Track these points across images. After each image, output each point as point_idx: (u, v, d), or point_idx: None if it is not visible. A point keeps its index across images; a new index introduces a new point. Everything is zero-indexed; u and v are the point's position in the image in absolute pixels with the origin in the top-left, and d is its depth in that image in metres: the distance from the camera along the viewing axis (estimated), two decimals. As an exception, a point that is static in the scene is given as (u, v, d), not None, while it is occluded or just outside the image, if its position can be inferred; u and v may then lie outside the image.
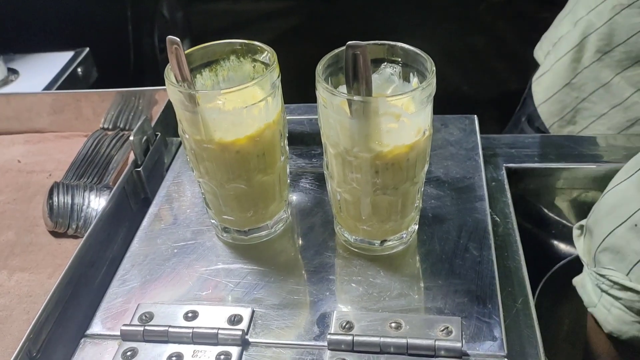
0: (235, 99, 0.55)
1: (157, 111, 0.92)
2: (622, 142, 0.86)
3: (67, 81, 1.12)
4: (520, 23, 1.19)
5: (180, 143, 0.89)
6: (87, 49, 1.20)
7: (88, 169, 0.85)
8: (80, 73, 1.17)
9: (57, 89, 1.09)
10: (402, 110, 0.53)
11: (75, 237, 0.77)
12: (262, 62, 0.62)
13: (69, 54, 1.19)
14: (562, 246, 0.89)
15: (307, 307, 0.59)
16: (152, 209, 0.73)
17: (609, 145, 0.85)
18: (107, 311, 0.60)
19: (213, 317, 0.58)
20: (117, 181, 0.81)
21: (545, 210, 0.87)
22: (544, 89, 1.06)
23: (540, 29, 1.14)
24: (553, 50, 1.05)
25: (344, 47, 0.56)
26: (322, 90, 0.54)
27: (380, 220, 0.61)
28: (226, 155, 0.58)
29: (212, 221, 0.67)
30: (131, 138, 0.75)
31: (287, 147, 0.64)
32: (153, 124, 0.82)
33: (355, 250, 0.64)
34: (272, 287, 0.61)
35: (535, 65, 1.14)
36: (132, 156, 0.81)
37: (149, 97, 0.91)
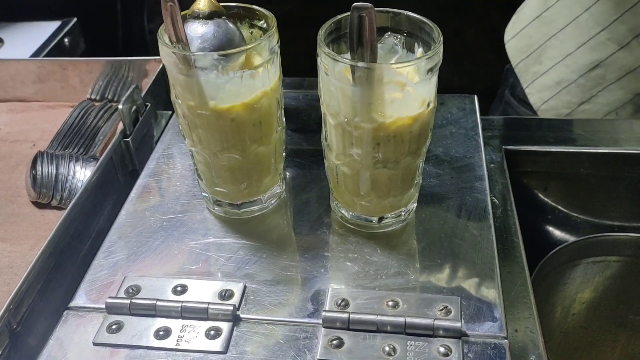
0: (233, 63, 0.53)
1: (147, 83, 0.89)
2: (622, 126, 0.84)
3: (54, 51, 1.08)
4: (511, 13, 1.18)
5: (171, 116, 0.86)
6: (75, 19, 1.16)
7: (74, 139, 0.82)
8: (67, 43, 1.13)
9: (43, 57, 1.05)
10: (407, 79, 0.50)
11: (59, 208, 0.74)
12: (260, 28, 0.59)
13: (56, 24, 1.15)
14: (557, 232, 0.88)
15: (300, 283, 0.57)
16: (140, 181, 0.70)
17: (608, 129, 0.84)
18: (92, 283, 0.58)
19: (203, 291, 0.56)
20: (105, 152, 0.79)
21: (541, 196, 0.86)
22: (515, 22, 1.02)
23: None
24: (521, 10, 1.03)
25: (347, 13, 0.54)
26: (323, 56, 0.52)
27: (379, 195, 0.58)
28: (221, 123, 0.56)
29: (204, 194, 0.65)
30: (120, 107, 0.72)
31: (284, 118, 0.62)
32: (143, 94, 0.79)
33: (352, 227, 0.62)
34: (264, 263, 0.59)
35: None
36: (120, 127, 0.78)
37: (139, 68, 0.88)
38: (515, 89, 1.05)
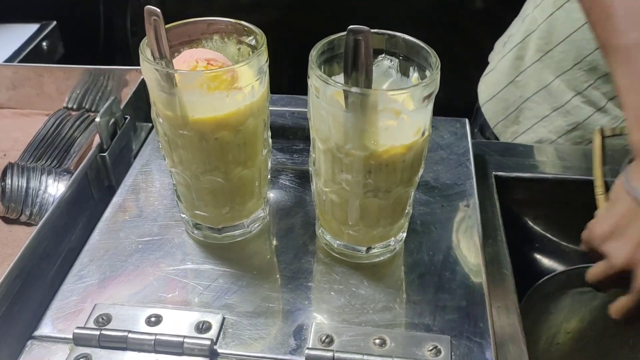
0: (218, 82, 0.50)
1: (127, 93, 0.85)
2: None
3: (30, 55, 1.04)
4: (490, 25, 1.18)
5: (151, 129, 0.83)
6: (54, 23, 1.12)
7: (47, 150, 0.78)
8: (45, 47, 1.09)
9: (19, 62, 1.01)
10: (402, 106, 0.48)
11: (28, 224, 0.70)
12: (249, 45, 0.56)
13: (34, 27, 1.11)
14: (545, 261, 0.86)
15: (283, 316, 0.54)
16: (116, 199, 0.66)
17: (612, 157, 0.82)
18: (60, 310, 0.54)
19: (179, 323, 0.52)
20: (79, 166, 0.75)
21: (530, 223, 0.84)
22: (489, 86, 1.01)
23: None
24: (502, 49, 1.01)
25: (341, 34, 0.52)
26: (315, 78, 0.49)
27: (368, 225, 0.56)
28: (203, 144, 0.53)
29: (183, 215, 0.62)
30: (97, 119, 0.69)
31: (270, 140, 0.59)
32: (122, 105, 0.76)
33: (338, 256, 0.59)
34: (245, 293, 0.56)
35: None
36: (97, 140, 0.74)
37: (119, 78, 0.85)
38: (484, 129, 1.04)
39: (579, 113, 0.90)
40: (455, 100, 0.91)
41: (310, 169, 0.57)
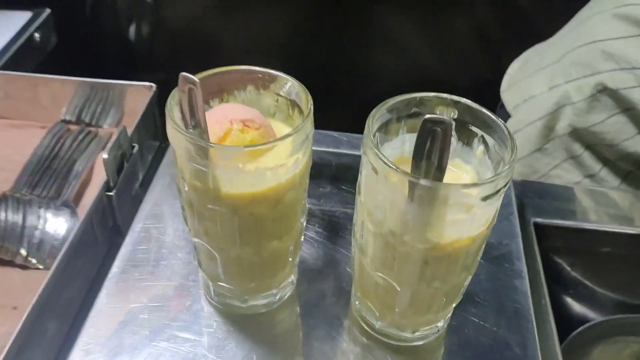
0: (259, 157, 0.42)
1: (131, 107, 0.77)
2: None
3: (23, 49, 0.94)
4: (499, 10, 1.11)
5: (158, 150, 0.75)
6: (48, 11, 1.02)
7: (44, 177, 0.70)
8: (37, 39, 0.99)
9: (12, 57, 0.91)
10: (476, 200, 0.41)
11: (24, 267, 0.63)
12: (287, 98, 0.49)
13: (26, 15, 1.01)
14: (577, 307, 0.81)
15: (318, 412, 0.48)
16: (124, 250, 0.59)
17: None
18: (64, 399, 0.48)
19: (201, 422, 0.46)
20: (78, 197, 0.68)
21: (569, 269, 0.78)
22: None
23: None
24: (523, 106, 0.95)
25: (401, 98, 0.45)
26: (372, 156, 0.42)
27: (417, 312, 0.49)
28: (236, 219, 0.46)
29: (201, 277, 0.55)
30: (105, 156, 0.61)
31: (307, 205, 0.52)
32: (130, 132, 0.68)
33: (376, 335, 0.53)
34: (274, 380, 0.50)
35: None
36: (98, 164, 0.67)
37: (121, 92, 0.76)
38: None
39: (611, 180, 0.87)
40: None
41: (352, 240, 0.51)
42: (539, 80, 0.93)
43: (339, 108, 0.99)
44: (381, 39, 1.19)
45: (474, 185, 0.41)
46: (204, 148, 0.41)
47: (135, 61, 1.19)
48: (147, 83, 0.75)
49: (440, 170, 0.40)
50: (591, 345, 0.78)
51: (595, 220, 0.73)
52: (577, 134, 0.87)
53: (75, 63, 0.97)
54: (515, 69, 1.02)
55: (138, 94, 0.76)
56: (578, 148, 0.88)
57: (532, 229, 0.71)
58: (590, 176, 0.88)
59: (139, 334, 0.52)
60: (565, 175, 0.90)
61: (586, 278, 0.79)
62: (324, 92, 0.75)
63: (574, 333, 0.74)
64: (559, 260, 0.77)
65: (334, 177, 0.68)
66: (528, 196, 0.74)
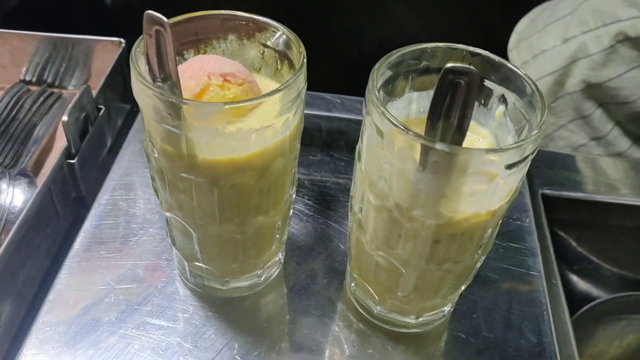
0: (242, 117, 0.35)
1: (98, 67, 0.70)
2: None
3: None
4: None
5: (128, 114, 0.68)
6: (7, -39, 0.93)
7: (1, 142, 0.62)
8: (-4, -9, 0.90)
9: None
10: (500, 168, 0.34)
11: (-26, 243, 0.56)
12: (275, 49, 0.42)
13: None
14: (583, 285, 0.76)
15: (309, 411, 0.42)
16: (88, 224, 0.52)
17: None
18: (15, 397, 0.41)
19: None
20: (38, 166, 0.61)
21: (575, 244, 0.73)
22: None
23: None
24: (533, 62, 0.89)
25: (408, 48, 0.38)
26: (377, 116, 0.35)
27: (422, 297, 0.43)
28: (215, 191, 0.39)
29: (176, 255, 0.48)
30: (64, 118, 0.54)
31: (297, 175, 0.45)
32: (95, 92, 0.60)
33: (375, 321, 0.47)
34: (259, 374, 0.43)
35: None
36: (61, 129, 0.60)
37: (88, 48, 0.69)
38: None
39: (620, 143, 0.81)
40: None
41: (349, 214, 0.44)
42: (552, 33, 0.86)
43: (333, 67, 0.92)
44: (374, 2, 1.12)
45: (500, 150, 0.34)
46: (176, 105, 0.34)
47: (106, 17, 1.10)
48: (115, 38, 0.67)
49: (461, 132, 0.34)
50: (596, 323, 0.74)
51: (605, 192, 0.68)
52: (590, 91, 0.81)
53: (40, 20, 0.88)
54: (523, 26, 0.95)
55: (106, 51, 0.69)
56: (588, 107, 0.82)
57: (540, 201, 0.65)
58: (597, 138, 0.82)
59: (103, 320, 0.45)
60: (570, 136, 0.84)
61: (592, 253, 0.73)
62: (316, 49, 0.67)
63: (580, 312, 0.70)
64: (565, 235, 0.72)
65: (325, 143, 0.61)
66: (535, 165, 0.68)
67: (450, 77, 0.31)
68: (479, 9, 1.08)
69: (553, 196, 0.66)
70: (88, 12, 1.08)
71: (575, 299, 0.74)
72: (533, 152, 0.35)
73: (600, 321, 0.73)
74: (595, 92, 0.80)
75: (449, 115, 0.33)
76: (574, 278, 0.76)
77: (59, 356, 0.43)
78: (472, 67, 0.31)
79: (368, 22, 1.11)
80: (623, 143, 0.81)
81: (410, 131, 0.33)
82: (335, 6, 1.11)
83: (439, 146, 0.33)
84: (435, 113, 0.33)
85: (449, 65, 0.31)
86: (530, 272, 0.52)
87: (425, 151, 0.33)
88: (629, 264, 0.75)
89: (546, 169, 0.68)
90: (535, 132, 0.35)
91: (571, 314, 0.68)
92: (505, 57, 0.96)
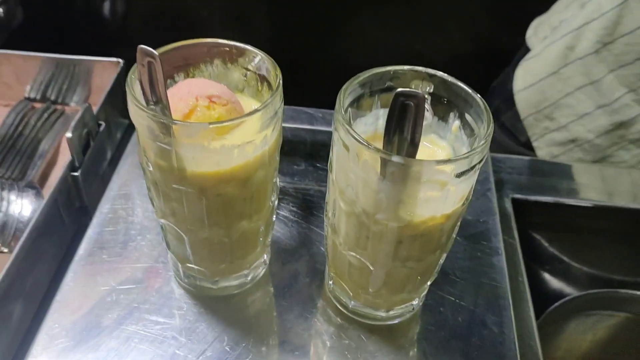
0: (226, 134, 0.41)
1: (98, 84, 0.75)
2: (628, 177, 0.76)
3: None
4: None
5: (128, 128, 0.73)
6: (12, -16, 0.98)
7: (8, 156, 0.68)
8: (1, 13, 0.96)
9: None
10: (450, 177, 0.39)
11: (-13, 250, 0.61)
12: (256, 72, 0.47)
13: (-11, -12, 0.97)
14: (556, 283, 0.80)
15: (291, 395, 0.47)
16: (91, 231, 0.57)
17: (626, 181, 0.75)
18: (28, 387, 0.46)
19: (171, 408, 0.45)
20: (44, 179, 0.66)
21: (546, 245, 0.77)
22: (527, 73, 0.91)
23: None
24: (551, 35, 0.91)
25: (373, 71, 0.43)
26: (344, 132, 0.40)
27: (391, 292, 0.48)
28: (203, 200, 0.44)
29: (170, 258, 0.53)
30: (68, 135, 0.59)
31: (279, 183, 0.50)
32: (96, 109, 0.65)
33: (351, 315, 0.52)
34: (245, 363, 0.48)
35: (514, 45, 1.01)
36: (65, 143, 0.65)
37: (88, 68, 0.74)
38: (499, 115, 0.95)
39: (626, 112, 0.82)
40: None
41: (325, 219, 0.49)
42: (572, 7, 0.89)
43: (315, 84, 0.97)
44: (359, 14, 1.17)
45: (448, 161, 0.39)
46: (167, 125, 0.39)
47: (106, 38, 1.16)
48: (114, 59, 0.72)
49: (414, 146, 0.39)
50: (567, 319, 0.78)
51: (574, 196, 0.73)
52: (602, 54, 0.82)
53: (43, 41, 0.93)
54: (538, 20, 0.98)
55: (106, 70, 0.74)
56: (599, 72, 0.83)
57: (510, 205, 0.70)
58: (603, 105, 0.84)
59: (106, 318, 0.50)
60: (576, 105, 0.86)
61: (563, 253, 0.78)
62: (299, 68, 0.73)
63: (551, 308, 0.74)
64: (537, 236, 0.77)
65: (308, 154, 0.66)
66: (507, 172, 0.73)
67: (401, 99, 0.36)
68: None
69: (523, 200, 0.71)
70: (88, 33, 1.14)
71: (549, 297, 0.78)
72: (481, 162, 0.40)
73: (571, 317, 0.78)
74: (608, 53, 0.81)
75: (402, 131, 0.38)
76: (547, 277, 0.81)
77: (66, 350, 0.48)
78: (419, 90, 0.36)
79: (348, 47, 1.17)
80: (631, 112, 0.82)
81: (371, 146, 0.39)
82: (319, 32, 1.17)
83: (395, 159, 0.38)
84: (390, 130, 0.38)
85: (399, 89, 0.36)
86: (495, 270, 0.57)
87: (384, 163, 0.39)
88: (598, 263, 0.80)
89: (517, 175, 0.73)
90: (482, 143, 0.40)
91: (543, 310, 0.73)
92: (497, 67, 1.01)
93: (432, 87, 0.46)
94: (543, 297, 0.76)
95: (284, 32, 1.15)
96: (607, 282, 0.80)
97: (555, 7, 0.95)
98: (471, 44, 1.21)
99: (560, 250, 0.78)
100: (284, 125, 0.66)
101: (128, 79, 0.42)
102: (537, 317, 0.70)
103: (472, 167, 0.40)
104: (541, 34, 0.95)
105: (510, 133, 0.95)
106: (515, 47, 1.01)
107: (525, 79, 0.91)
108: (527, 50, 0.96)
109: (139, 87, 0.41)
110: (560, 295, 0.80)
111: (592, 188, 0.74)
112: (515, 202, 0.70)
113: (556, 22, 0.91)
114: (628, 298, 0.76)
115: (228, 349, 0.49)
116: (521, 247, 0.66)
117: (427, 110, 0.46)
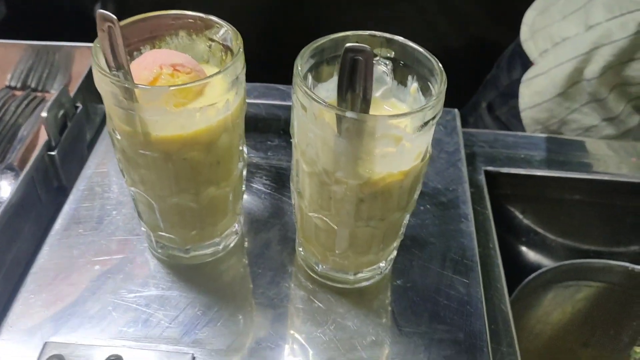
0: (187, 98, 0.42)
1: (78, 71, 0.76)
2: (612, 149, 0.77)
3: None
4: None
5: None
6: (-6, -21, 1.00)
7: (-13, 141, 0.69)
8: (-16, 8, 0.97)
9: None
10: (404, 132, 0.41)
11: (-34, 230, 0.62)
12: (220, 43, 0.48)
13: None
14: (532, 255, 0.82)
15: (260, 355, 0.48)
16: (67, 207, 0.58)
17: (597, 152, 0.77)
18: (2, 351, 0.47)
19: (143, 367, 0.46)
20: (24, 162, 0.67)
21: (521, 217, 0.79)
22: (534, 93, 0.93)
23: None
24: (552, 50, 0.91)
25: (331, 37, 0.44)
26: (301, 94, 0.42)
27: (358, 252, 0.50)
28: (169, 165, 0.45)
29: (144, 230, 0.54)
30: (44, 114, 0.60)
31: (246, 152, 0.52)
32: (73, 92, 0.67)
33: (321, 279, 0.53)
34: (217, 326, 0.50)
35: (504, 39, 1.02)
36: (43, 130, 0.66)
37: (68, 54, 0.75)
38: (493, 108, 0.96)
39: (630, 120, 0.86)
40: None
41: (291, 185, 0.51)
42: (574, 21, 0.89)
43: (289, 63, 0.98)
44: (351, 10, 1.18)
45: (401, 115, 0.40)
46: (129, 90, 0.41)
47: (89, 27, 1.17)
48: (92, 44, 0.73)
49: (366, 102, 0.40)
50: (545, 290, 0.80)
51: (546, 168, 0.74)
52: (608, 77, 0.84)
53: (27, 29, 0.95)
54: (532, 17, 0.97)
55: (85, 56, 0.75)
56: (604, 91, 0.85)
57: (482, 177, 0.71)
58: (610, 119, 0.86)
59: (81, 287, 0.52)
60: (582, 119, 0.88)
61: (538, 225, 0.80)
62: (273, 47, 0.74)
63: (527, 279, 0.75)
64: (511, 208, 0.78)
65: (282, 130, 0.68)
66: (479, 145, 0.75)
67: (350, 55, 0.38)
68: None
69: (495, 172, 0.72)
70: (71, 20, 1.15)
71: (526, 269, 0.80)
72: (434, 118, 0.42)
73: (548, 288, 0.79)
74: (614, 76, 0.83)
75: (354, 87, 0.39)
76: (523, 249, 0.82)
77: (41, 317, 0.49)
78: (367, 46, 0.37)
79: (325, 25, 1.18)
80: (634, 119, 0.85)
81: (325, 103, 0.40)
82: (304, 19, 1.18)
83: (349, 114, 0.39)
84: (342, 87, 0.39)
85: (348, 44, 0.37)
86: (463, 234, 0.58)
87: (339, 120, 0.40)
88: (574, 233, 0.81)
89: (489, 148, 0.75)
90: (433, 99, 0.41)
91: (520, 282, 0.74)
92: (489, 57, 1.02)
93: (393, 53, 0.47)
94: (520, 270, 0.78)
95: (259, 11, 1.15)
96: (583, 253, 0.82)
97: (551, 14, 0.95)
98: (461, 38, 1.22)
99: (535, 222, 0.79)
100: (257, 102, 0.68)
101: (93, 48, 0.43)
102: (514, 289, 0.72)
103: (426, 123, 0.41)
104: (541, 44, 0.95)
105: (505, 127, 0.97)
106: (506, 40, 1.03)
107: (532, 99, 0.92)
108: (521, 48, 0.97)
109: (102, 59, 0.42)
110: (537, 267, 0.81)
111: (564, 160, 0.76)
112: (487, 174, 0.72)
113: (557, 37, 0.92)
114: (605, 267, 0.77)
115: (200, 314, 0.50)
116: (496, 220, 0.67)
117: (387, 75, 0.48)
